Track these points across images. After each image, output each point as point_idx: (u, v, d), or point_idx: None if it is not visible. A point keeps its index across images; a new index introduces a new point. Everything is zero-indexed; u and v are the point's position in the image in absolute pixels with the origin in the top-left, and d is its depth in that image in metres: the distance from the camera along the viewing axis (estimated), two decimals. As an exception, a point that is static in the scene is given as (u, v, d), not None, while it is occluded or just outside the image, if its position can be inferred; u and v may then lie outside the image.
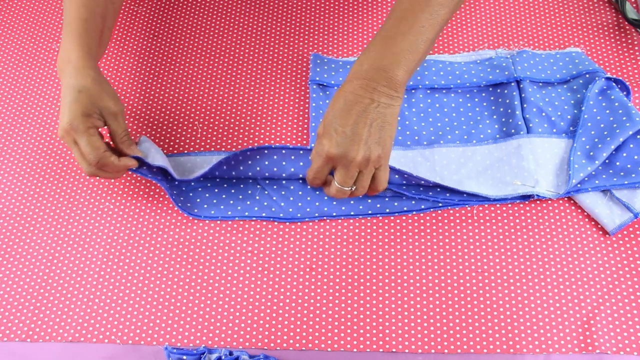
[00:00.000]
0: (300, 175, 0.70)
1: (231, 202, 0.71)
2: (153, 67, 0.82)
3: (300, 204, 0.70)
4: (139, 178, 0.74)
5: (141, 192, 0.73)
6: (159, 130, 0.77)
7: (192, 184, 0.72)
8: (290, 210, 0.70)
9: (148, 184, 0.73)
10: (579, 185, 0.68)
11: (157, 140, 0.76)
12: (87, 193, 0.73)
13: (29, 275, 0.69)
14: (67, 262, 0.69)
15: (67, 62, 0.66)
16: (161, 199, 0.72)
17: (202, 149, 0.75)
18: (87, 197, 0.73)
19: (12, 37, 0.87)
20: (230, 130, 0.76)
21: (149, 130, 0.77)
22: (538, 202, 0.69)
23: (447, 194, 0.69)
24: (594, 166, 0.68)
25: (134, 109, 0.79)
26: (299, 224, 0.70)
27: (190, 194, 0.72)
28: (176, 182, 0.72)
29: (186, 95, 0.79)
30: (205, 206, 0.71)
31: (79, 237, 0.70)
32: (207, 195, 0.71)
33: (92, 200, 0.73)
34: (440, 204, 0.69)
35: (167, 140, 0.76)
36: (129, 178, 0.74)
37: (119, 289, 0.67)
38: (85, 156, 0.64)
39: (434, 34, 0.61)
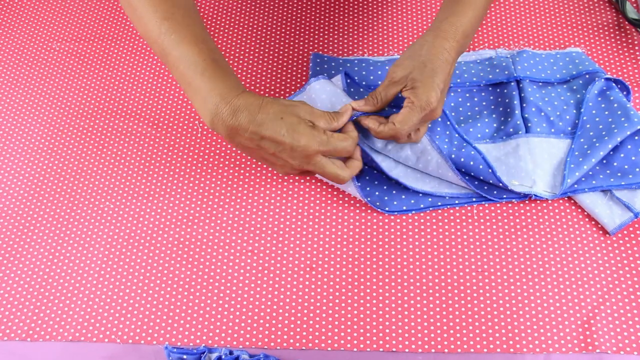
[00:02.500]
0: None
1: (403, 196, 0.70)
2: (153, 66, 0.82)
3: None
4: (138, 178, 0.74)
5: (141, 192, 0.73)
6: (159, 129, 0.77)
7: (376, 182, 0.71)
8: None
9: (148, 184, 0.73)
10: (575, 186, 0.68)
11: (156, 140, 0.76)
12: (88, 193, 0.73)
13: (29, 275, 0.69)
14: (68, 261, 0.69)
15: (238, 108, 0.58)
16: (161, 198, 0.72)
17: (202, 148, 0.75)
18: (87, 197, 0.73)
19: (12, 37, 0.87)
20: (231, 130, 0.76)
21: (149, 129, 0.77)
22: (538, 202, 0.69)
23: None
24: (591, 164, 0.68)
25: (134, 109, 0.79)
26: (299, 224, 0.70)
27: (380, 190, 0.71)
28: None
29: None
30: (395, 203, 0.70)
31: (79, 236, 0.71)
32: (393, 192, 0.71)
33: (92, 200, 0.73)
34: (439, 204, 0.69)
35: (167, 140, 0.76)
36: (129, 177, 0.74)
37: (119, 289, 0.67)
38: (346, 149, 0.61)
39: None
